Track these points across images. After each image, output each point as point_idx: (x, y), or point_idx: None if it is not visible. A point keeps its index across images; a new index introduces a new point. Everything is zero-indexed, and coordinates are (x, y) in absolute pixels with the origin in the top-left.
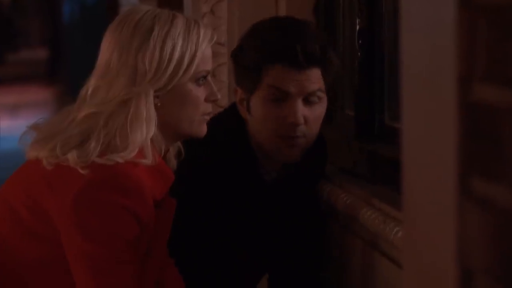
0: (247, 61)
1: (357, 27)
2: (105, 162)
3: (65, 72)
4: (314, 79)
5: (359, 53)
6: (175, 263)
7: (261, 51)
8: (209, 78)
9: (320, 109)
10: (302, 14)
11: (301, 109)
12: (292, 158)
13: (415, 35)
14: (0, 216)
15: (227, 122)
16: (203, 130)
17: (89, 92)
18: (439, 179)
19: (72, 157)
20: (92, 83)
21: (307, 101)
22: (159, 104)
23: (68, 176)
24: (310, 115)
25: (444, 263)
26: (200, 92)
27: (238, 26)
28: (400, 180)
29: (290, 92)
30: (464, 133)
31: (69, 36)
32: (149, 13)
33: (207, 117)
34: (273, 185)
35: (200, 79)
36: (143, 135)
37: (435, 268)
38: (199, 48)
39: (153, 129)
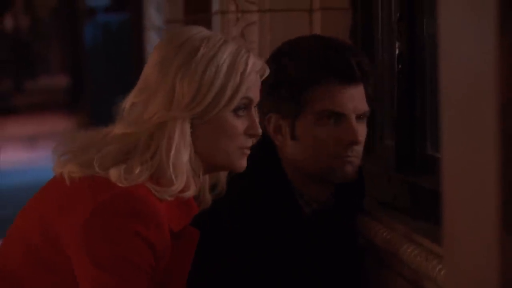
0: (290, 82)
1: (397, 51)
2: (155, 193)
3: (87, 101)
4: (363, 96)
5: (398, 79)
6: None
7: (310, 68)
8: (252, 110)
9: (365, 130)
10: (338, 37)
11: (358, 128)
12: (349, 176)
13: (454, 61)
14: (13, 243)
15: (258, 155)
16: (242, 164)
17: (127, 107)
18: (480, 212)
19: (115, 172)
20: (130, 98)
21: (358, 119)
22: (196, 133)
23: (79, 199)
24: (362, 135)
25: None
26: (238, 123)
27: (270, 50)
28: (441, 213)
29: (346, 110)
30: (507, 163)
31: (91, 62)
32: (200, 34)
33: (247, 151)
34: (313, 216)
35: (239, 109)
36: (183, 163)
37: None
38: (245, 80)
39: (187, 158)
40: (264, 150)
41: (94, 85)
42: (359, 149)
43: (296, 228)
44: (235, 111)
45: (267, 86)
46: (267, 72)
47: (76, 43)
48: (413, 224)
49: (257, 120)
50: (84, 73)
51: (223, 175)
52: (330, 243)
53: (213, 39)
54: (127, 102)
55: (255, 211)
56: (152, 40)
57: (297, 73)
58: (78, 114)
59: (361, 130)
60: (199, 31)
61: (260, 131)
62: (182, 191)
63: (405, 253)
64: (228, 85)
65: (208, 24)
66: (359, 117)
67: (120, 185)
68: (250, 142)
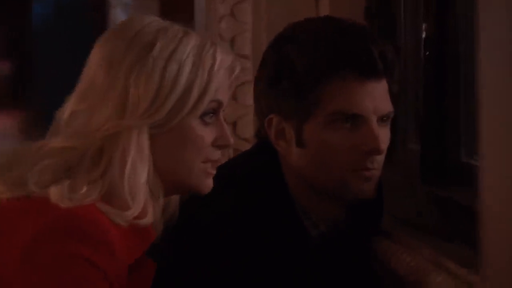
0: (295, 75)
1: (423, 34)
2: (107, 215)
3: (34, 93)
4: (387, 93)
5: (425, 69)
6: None
7: (320, 58)
8: (221, 115)
9: (388, 136)
10: (351, 18)
11: (380, 133)
12: (368, 194)
13: (495, 48)
14: None
15: (254, 162)
16: (206, 184)
17: (66, 116)
18: None
19: (56, 191)
20: (70, 105)
21: (380, 122)
22: (155, 145)
23: (11, 224)
24: (385, 142)
25: None
26: (206, 132)
27: (266, 34)
28: (477, 234)
29: (365, 111)
30: None
31: (40, 45)
32: (154, 24)
33: (212, 169)
34: (322, 241)
35: (207, 115)
36: (139, 183)
37: None
38: (213, 78)
39: (145, 176)
40: (262, 157)
41: (44, 75)
42: (380, 159)
43: (300, 255)
44: (202, 117)
45: (267, 79)
46: (238, 69)
47: (22, 23)
48: (442, 247)
49: (227, 127)
50: (31, 59)
51: (174, 195)
52: (341, 273)
53: (171, 30)
54: (66, 111)
55: (245, 233)
56: (118, 20)
57: (304, 64)
58: (23, 109)
59: (384, 136)
60: (152, 20)
61: (231, 141)
62: (138, 217)
63: (432, 282)
64: (194, 85)
65: (189, 2)
66: (381, 120)
67: (62, 206)
68: (217, 155)
